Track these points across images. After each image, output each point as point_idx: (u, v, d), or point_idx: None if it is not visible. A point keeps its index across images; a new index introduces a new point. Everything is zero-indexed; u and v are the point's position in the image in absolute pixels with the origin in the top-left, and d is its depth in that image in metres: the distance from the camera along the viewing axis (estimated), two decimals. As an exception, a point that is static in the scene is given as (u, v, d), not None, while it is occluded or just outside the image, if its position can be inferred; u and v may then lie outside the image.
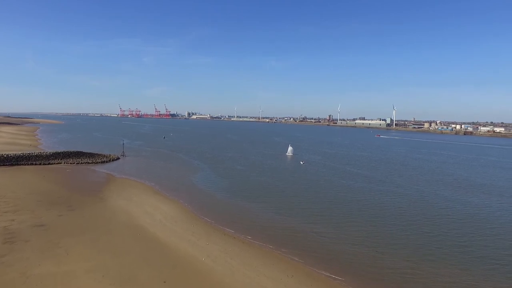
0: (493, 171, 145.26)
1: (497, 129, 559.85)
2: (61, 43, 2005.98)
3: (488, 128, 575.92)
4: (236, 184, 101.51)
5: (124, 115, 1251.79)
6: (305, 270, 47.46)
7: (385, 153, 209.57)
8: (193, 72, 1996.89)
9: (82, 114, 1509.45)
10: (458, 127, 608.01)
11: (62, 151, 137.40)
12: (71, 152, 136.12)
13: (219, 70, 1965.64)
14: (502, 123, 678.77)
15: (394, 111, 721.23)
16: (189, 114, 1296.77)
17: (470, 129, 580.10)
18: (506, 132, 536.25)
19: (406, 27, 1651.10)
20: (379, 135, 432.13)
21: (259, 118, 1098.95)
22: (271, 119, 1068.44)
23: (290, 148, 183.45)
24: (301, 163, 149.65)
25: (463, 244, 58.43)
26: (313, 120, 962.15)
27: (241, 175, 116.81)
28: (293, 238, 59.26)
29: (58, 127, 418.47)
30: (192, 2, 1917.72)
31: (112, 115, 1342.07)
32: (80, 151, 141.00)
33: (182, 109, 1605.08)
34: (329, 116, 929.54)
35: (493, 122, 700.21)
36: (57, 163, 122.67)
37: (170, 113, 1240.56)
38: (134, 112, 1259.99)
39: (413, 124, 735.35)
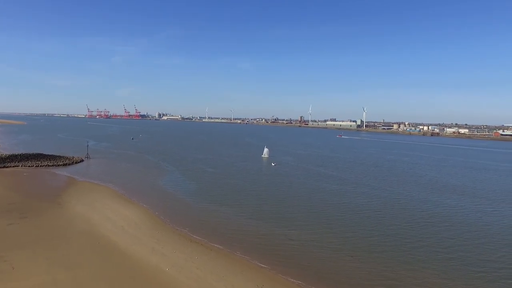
0: (463, 171, 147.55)
1: (462, 131, 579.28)
2: (21, 39, 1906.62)
3: (453, 130, 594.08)
4: (206, 188, 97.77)
5: (92, 115, 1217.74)
6: (276, 279, 44.56)
7: (358, 154, 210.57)
8: (163, 72, 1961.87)
9: (47, 114, 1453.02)
10: (425, 128, 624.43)
11: (20, 153, 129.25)
12: (30, 154, 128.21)
13: (190, 70, 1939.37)
14: (466, 124, 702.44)
15: (364, 113, 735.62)
16: (159, 115, 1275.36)
17: (436, 130, 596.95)
18: (470, 133, 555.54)
19: (375, 29, 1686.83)
20: (340, 135, 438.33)
21: (230, 119, 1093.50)
22: (242, 120, 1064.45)
23: (265, 150, 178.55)
24: (273, 164, 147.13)
25: (442, 248, 57.15)
26: (285, 121, 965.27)
27: (211, 178, 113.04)
28: (265, 244, 56.31)
29: (19, 128, 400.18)
30: (162, 2, 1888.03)
31: (79, 116, 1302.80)
32: (40, 153, 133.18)
33: (152, 110, 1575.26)
34: (301, 117, 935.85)
35: (458, 123, 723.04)
36: (13, 166, 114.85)
37: (140, 114, 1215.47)
38: (102, 113, 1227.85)
39: (383, 126, 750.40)
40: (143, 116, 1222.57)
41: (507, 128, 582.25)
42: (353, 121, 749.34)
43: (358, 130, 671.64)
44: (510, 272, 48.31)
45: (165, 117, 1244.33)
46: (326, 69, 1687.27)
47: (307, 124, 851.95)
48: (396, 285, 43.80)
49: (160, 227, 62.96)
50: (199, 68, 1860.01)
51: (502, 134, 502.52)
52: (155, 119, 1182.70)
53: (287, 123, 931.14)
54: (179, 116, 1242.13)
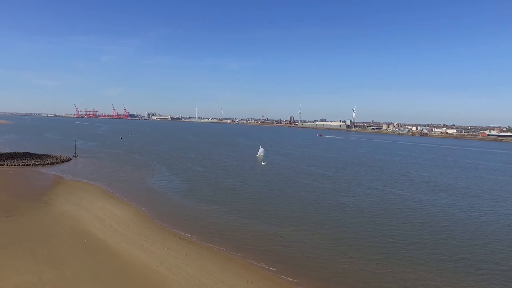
0: (454, 171, 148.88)
1: (450, 131, 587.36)
2: (7, 39, 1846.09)
3: (441, 130, 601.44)
4: (196, 187, 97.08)
5: (80, 115, 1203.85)
6: (266, 276, 44.35)
7: (349, 154, 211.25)
8: (153, 72, 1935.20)
9: (34, 114, 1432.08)
10: (414, 128, 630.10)
11: (5, 152, 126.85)
12: (15, 153, 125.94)
13: (179, 70, 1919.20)
14: (454, 125, 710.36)
15: (354, 114, 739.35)
16: (149, 114, 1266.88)
17: (425, 130, 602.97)
18: (457, 133, 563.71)
19: (365, 31, 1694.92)
20: (320, 135, 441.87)
21: (220, 119, 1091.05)
22: (232, 120, 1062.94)
23: (261, 150, 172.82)
24: (263, 164, 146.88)
25: (437, 248, 57.42)
26: (274, 122, 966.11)
27: (201, 177, 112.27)
28: (256, 242, 56.00)
29: (5, 127, 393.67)
30: (152, 1, 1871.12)
31: (67, 116, 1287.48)
32: (27, 152, 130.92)
33: (141, 110, 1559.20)
34: (291, 117, 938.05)
35: (446, 124, 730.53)
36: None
37: (129, 113, 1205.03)
38: (91, 113, 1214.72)
39: (372, 126, 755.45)
40: (132, 116, 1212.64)
41: (493, 128, 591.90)
42: (342, 122, 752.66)
43: (347, 130, 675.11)
44: (506, 272, 48.60)
45: (154, 117, 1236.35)
46: (316, 70, 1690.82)
47: (297, 124, 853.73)
48: (389, 284, 43.73)
49: (150, 225, 62.24)
50: (189, 69, 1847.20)
51: (488, 135, 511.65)
52: (144, 119, 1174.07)
53: (277, 123, 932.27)
54: (169, 116, 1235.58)
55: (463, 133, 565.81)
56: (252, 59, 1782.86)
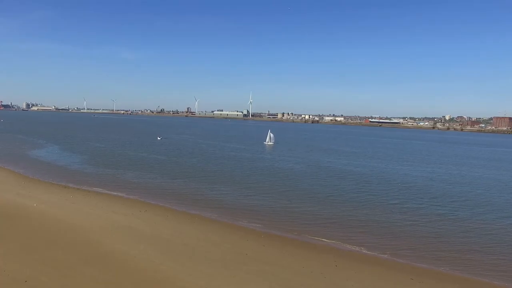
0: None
1: (338, 119, 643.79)
2: None
3: (331, 118, 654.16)
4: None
5: None
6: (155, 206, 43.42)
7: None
8: (31, 59, 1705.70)
9: None
10: (307, 117, 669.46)
11: None
12: None
13: (66, 58, 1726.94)
14: (342, 115, 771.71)
15: (250, 104, 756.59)
16: (28, 105, 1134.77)
17: (316, 118, 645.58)
18: (344, 120, 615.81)
19: (260, 27, 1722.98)
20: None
21: (113, 110, 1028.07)
22: (126, 111, 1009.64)
23: (271, 135, 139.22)
24: (158, 138, 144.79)
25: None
26: (171, 112, 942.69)
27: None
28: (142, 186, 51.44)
29: None
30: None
31: None
32: None
33: (19, 100, 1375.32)
34: (188, 108, 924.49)
35: (335, 114, 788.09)
36: None
37: (3, 103, 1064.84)
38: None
39: (268, 115, 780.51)
40: (6, 106, 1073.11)
41: (374, 117, 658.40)
42: (239, 112, 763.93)
43: (244, 119, 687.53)
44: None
45: (35, 108, 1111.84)
46: (213, 63, 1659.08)
47: (194, 114, 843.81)
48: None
49: (28, 179, 54.02)
50: (75, 57, 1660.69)
51: (370, 121, 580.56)
52: (23, 110, 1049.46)
53: (173, 113, 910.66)
54: (53, 107, 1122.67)
55: (350, 120, 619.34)
56: (145, 49, 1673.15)
